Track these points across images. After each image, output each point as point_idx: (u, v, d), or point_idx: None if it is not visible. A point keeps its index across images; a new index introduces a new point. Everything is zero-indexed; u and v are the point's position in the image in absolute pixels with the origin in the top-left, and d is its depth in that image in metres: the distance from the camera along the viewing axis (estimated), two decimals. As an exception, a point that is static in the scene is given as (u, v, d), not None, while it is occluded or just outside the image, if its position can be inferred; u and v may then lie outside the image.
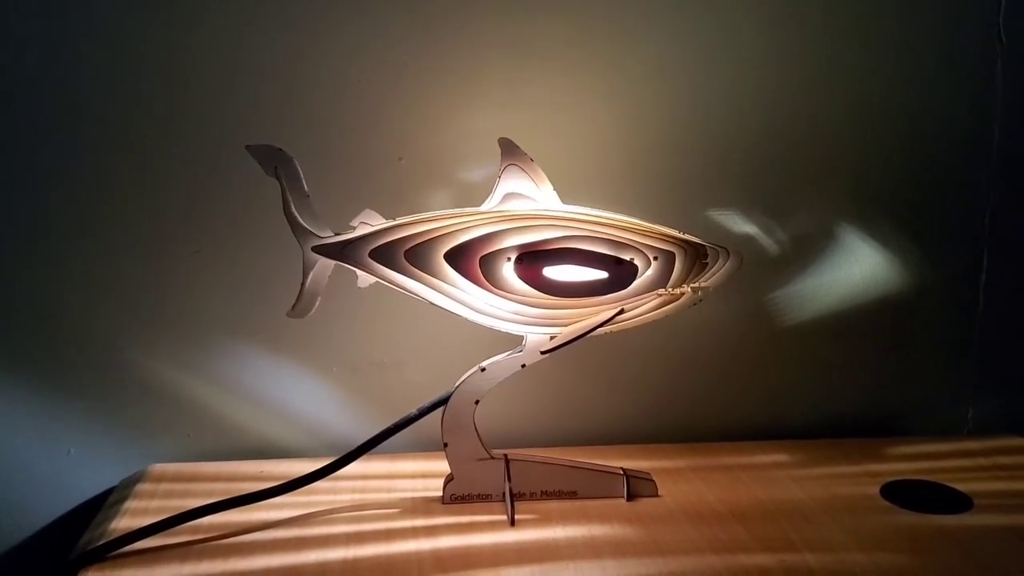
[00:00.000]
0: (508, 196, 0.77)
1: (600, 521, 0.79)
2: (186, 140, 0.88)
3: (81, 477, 0.91)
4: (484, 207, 0.77)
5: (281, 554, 0.73)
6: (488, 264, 0.76)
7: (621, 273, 0.77)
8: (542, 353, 0.78)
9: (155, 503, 0.83)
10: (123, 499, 0.84)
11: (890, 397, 1.03)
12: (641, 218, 0.89)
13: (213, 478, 0.89)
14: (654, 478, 0.86)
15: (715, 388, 1.00)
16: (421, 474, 0.89)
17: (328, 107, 0.89)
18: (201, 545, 0.75)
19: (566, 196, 0.80)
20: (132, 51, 0.86)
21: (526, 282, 0.76)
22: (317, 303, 0.79)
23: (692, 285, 0.79)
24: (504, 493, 0.81)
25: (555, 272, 0.77)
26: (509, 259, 0.76)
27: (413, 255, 0.76)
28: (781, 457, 0.95)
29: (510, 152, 0.77)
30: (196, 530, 0.77)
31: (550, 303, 0.77)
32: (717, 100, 0.94)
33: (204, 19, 0.86)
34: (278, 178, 0.76)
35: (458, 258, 0.76)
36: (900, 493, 0.85)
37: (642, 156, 0.94)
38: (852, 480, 0.89)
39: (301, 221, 0.77)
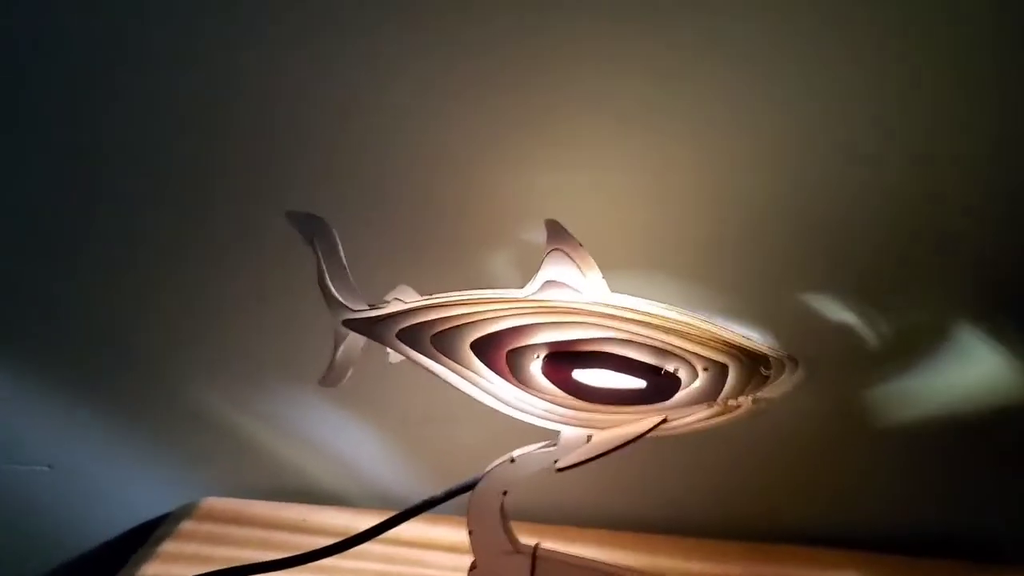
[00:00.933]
0: (548, 284, 0.71)
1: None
2: (253, 187, 0.86)
3: (138, 501, 0.94)
4: (522, 293, 0.72)
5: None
6: (515, 359, 0.70)
7: (661, 384, 0.69)
8: (558, 471, 0.72)
9: (190, 548, 0.84)
10: (164, 537, 0.85)
11: (997, 521, 0.90)
12: (714, 302, 0.82)
13: (256, 522, 0.89)
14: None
15: (788, 486, 0.91)
16: (456, 547, 0.85)
17: (380, 163, 0.85)
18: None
19: (630, 270, 0.73)
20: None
21: (553, 382, 0.70)
22: (349, 374, 0.76)
23: (751, 397, 0.71)
24: (527, 593, 0.76)
25: (586, 376, 0.70)
26: (537, 356, 0.70)
27: (440, 340, 0.72)
28: (856, 573, 0.85)
29: (556, 235, 0.70)
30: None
31: (580, 407, 0.71)
32: (820, 163, 0.82)
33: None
34: (313, 248, 0.73)
35: (485, 349, 0.71)
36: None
37: (724, 227, 0.84)
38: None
39: (335, 293, 0.74)
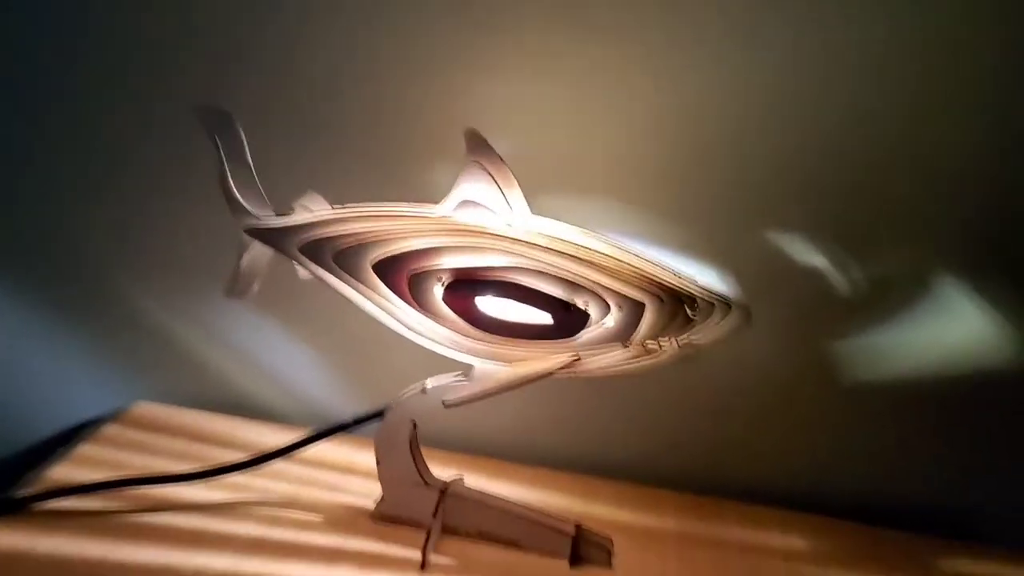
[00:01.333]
0: (465, 203, 0.64)
1: (526, 586, 0.69)
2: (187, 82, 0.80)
3: (77, 402, 0.91)
4: (437, 211, 0.65)
5: (171, 546, 0.69)
6: (418, 283, 0.65)
7: (569, 320, 0.63)
8: (445, 406, 0.67)
9: (107, 453, 0.81)
10: (83, 440, 0.83)
11: (973, 493, 0.82)
12: (675, 235, 0.75)
13: (182, 432, 0.86)
14: (612, 544, 0.73)
15: (752, 439, 0.84)
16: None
17: (324, 57, 0.78)
18: (107, 517, 0.72)
19: (585, 192, 0.71)
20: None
21: (455, 310, 0.64)
22: (256, 285, 0.72)
23: (677, 340, 0.64)
24: (429, 530, 0.71)
25: (489, 306, 0.64)
26: (440, 281, 0.64)
27: (342, 257, 0.66)
28: (802, 541, 0.79)
29: (476, 147, 0.63)
30: (118, 497, 0.74)
31: (485, 339, 0.65)
32: (799, 96, 0.73)
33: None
34: (215, 144, 0.68)
35: (387, 270, 0.65)
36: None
37: (692, 154, 0.76)
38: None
39: (237, 197, 0.69)
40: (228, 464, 0.75)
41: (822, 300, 0.77)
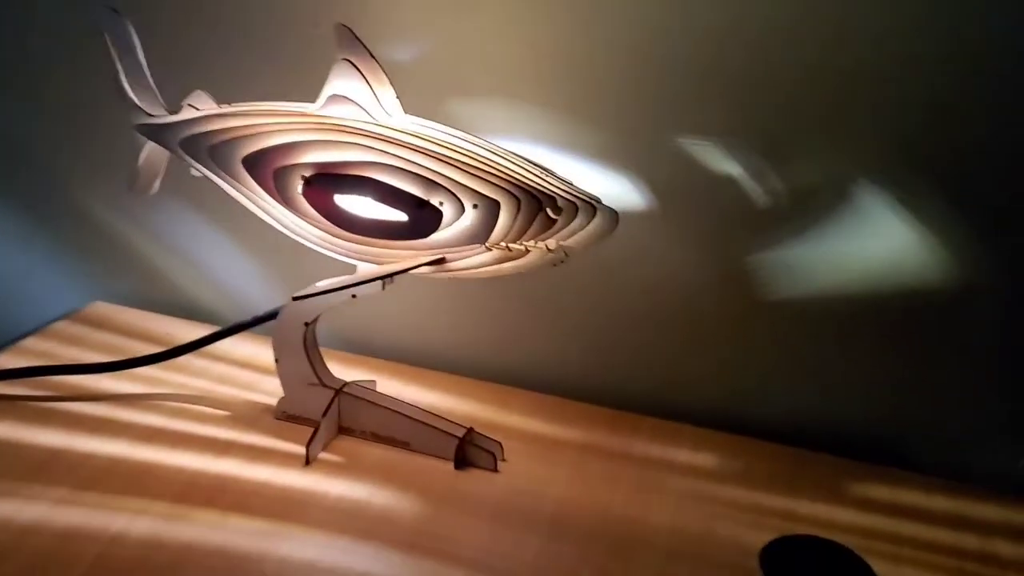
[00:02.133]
0: (334, 99, 0.63)
1: (406, 487, 0.69)
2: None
3: (41, 300, 0.96)
4: (311, 108, 0.65)
5: (74, 433, 0.72)
6: (281, 179, 0.65)
7: (423, 218, 0.62)
8: (294, 299, 0.67)
9: (46, 345, 0.85)
10: (30, 334, 0.87)
11: (898, 416, 0.78)
12: (586, 138, 0.73)
13: (125, 330, 0.89)
14: (502, 450, 0.73)
15: (671, 355, 0.82)
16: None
17: None
18: (22, 401, 0.75)
19: (486, 90, 0.71)
20: None
21: (315, 207, 0.64)
22: (157, 184, 0.73)
23: (543, 243, 0.62)
24: (316, 427, 0.72)
25: (348, 203, 0.63)
26: (303, 178, 0.64)
27: (216, 152, 0.67)
28: (712, 458, 0.76)
29: (348, 44, 0.62)
30: (40, 385, 0.77)
31: (348, 237, 0.65)
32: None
33: None
34: (108, 45, 0.69)
35: (255, 166, 0.66)
36: (801, 557, 0.65)
37: (598, 53, 0.73)
38: (768, 514, 0.70)
39: (130, 94, 0.70)
40: (135, 357, 0.77)
41: (740, 210, 0.74)
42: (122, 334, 0.88)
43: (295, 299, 0.67)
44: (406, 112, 0.62)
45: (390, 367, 0.85)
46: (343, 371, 0.77)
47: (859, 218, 0.72)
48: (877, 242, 0.72)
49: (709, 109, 0.72)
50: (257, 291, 0.91)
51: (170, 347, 0.77)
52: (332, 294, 0.68)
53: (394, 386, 0.81)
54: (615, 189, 0.75)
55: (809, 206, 0.73)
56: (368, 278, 0.65)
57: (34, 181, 0.94)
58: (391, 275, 0.64)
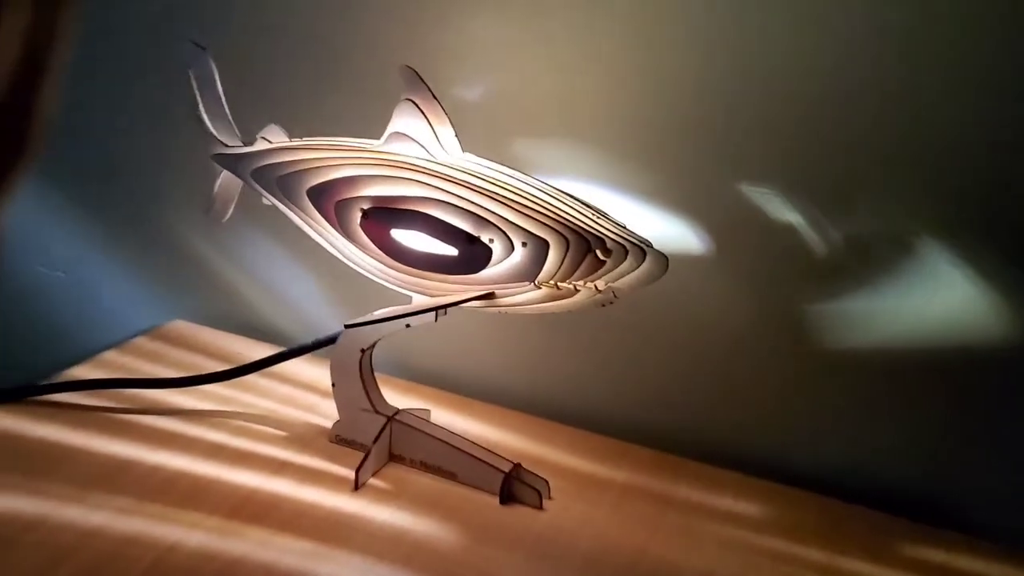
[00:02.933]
0: (396, 136, 0.66)
1: (450, 517, 0.71)
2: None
3: (130, 314, 1.01)
4: (374, 145, 0.67)
5: (143, 445, 0.75)
6: (342, 210, 0.68)
7: (473, 253, 0.64)
8: (347, 327, 0.69)
9: (126, 359, 0.90)
10: (110, 348, 0.92)
11: (947, 476, 0.76)
12: (644, 182, 0.74)
13: (201, 349, 0.93)
14: (548, 487, 0.74)
15: (722, 400, 0.81)
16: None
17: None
18: (94, 413, 0.79)
19: (558, 136, 0.73)
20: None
21: (372, 239, 0.67)
22: (231, 210, 0.77)
23: (592, 283, 0.64)
24: (367, 453, 0.74)
25: (403, 236, 0.66)
26: (362, 210, 0.67)
27: (284, 183, 0.70)
28: (753, 507, 0.76)
29: (411, 85, 0.65)
30: (112, 396, 0.82)
31: (403, 269, 0.67)
32: (777, 39, 0.70)
33: None
34: (190, 78, 0.73)
35: (319, 197, 0.69)
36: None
37: (659, 97, 0.74)
38: (808, 568, 0.69)
39: (208, 126, 0.74)
40: (203, 375, 0.80)
41: (797, 259, 0.74)
42: (197, 352, 0.92)
43: (348, 327, 0.70)
44: (465, 150, 0.65)
45: (444, 396, 0.87)
46: (398, 398, 0.79)
47: (918, 272, 0.71)
48: (935, 297, 0.71)
49: (769, 156, 0.73)
50: (325, 315, 0.94)
51: (236, 366, 0.80)
52: (387, 323, 0.70)
53: (446, 416, 0.83)
54: (671, 231, 0.76)
55: (867, 258, 0.73)
56: (421, 309, 0.67)
57: (124, 200, 0.99)
58: (443, 307, 0.66)
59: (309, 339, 0.77)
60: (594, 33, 0.74)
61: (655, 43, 0.73)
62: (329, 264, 0.77)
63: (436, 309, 0.67)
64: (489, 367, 0.89)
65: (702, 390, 0.81)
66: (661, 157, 0.76)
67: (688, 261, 0.75)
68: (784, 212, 0.73)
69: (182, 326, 0.98)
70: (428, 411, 0.81)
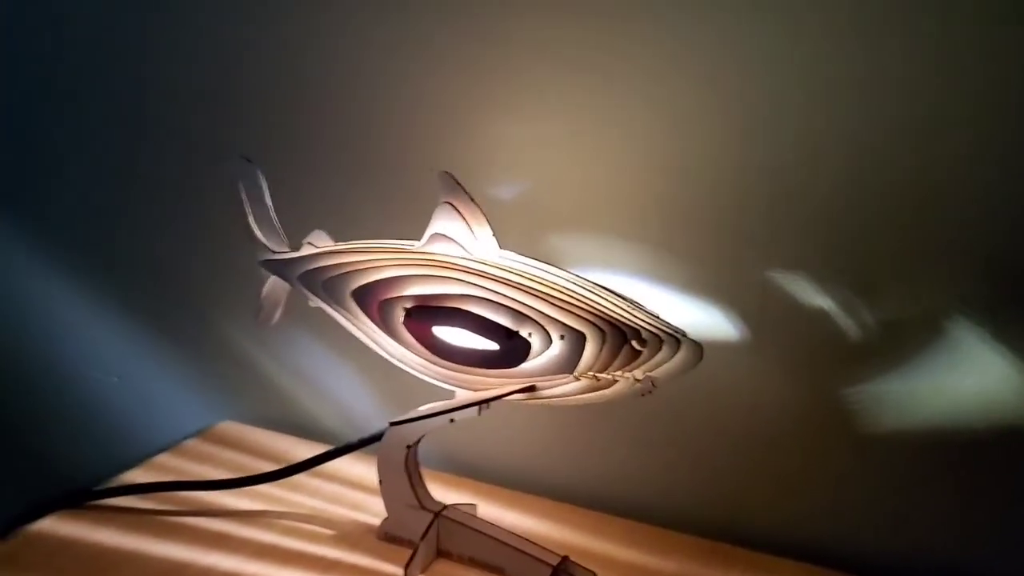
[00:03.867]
0: (435, 237, 0.69)
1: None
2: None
3: (182, 417, 1.04)
4: (415, 246, 0.70)
5: (192, 545, 0.77)
6: (385, 311, 0.70)
7: (513, 348, 0.65)
8: (391, 424, 0.70)
9: (179, 463, 0.92)
10: (163, 451, 0.94)
11: (992, 556, 0.75)
12: (677, 273, 0.76)
13: (250, 449, 0.95)
14: (595, 580, 0.73)
15: (763, 486, 0.81)
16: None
17: (340, 107, 0.86)
18: (149, 516, 0.81)
19: (589, 230, 0.75)
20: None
21: (414, 336, 0.69)
22: (278, 314, 0.79)
23: (630, 373, 0.65)
24: (415, 550, 0.75)
25: (444, 333, 0.68)
26: (405, 309, 0.69)
27: (329, 286, 0.73)
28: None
29: (449, 189, 0.67)
30: (166, 500, 0.83)
31: (446, 365, 0.69)
32: (798, 126, 0.72)
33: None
34: (238, 189, 0.77)
35: (363, 298, 0.71)
36: None
37: (688, 189, 0.76)
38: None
39: (257, 234, 0.77)
40: (252, 476, 0.82)
41: (830, 343, 0.74)
42: (247, 452, 0.94)
43: (393, 424, 0.71)
44: (503, 247, 0.67)
45: (490, 490, 0.88)
46: (444, 493, 0.80)
47: (952, 352, 0.71)
48: (971, 377, 0.72)
49: (796, 242, 0.74)
50: (370, 412, 0.96)
51: (284, 466, 0.82)
52: (431, 419, 0.72)
53: (493, 510, 0.83)
54: (705, 319, 0.77)
55: (902, 339, 0.73)
56: (464, 404, 0.69)
57: (175, 304, 1.03)
58: (486, 401, 0.68)
59: (355, 437, 0.79)
60: (623, 125, 0.77)
61: (684, 132, 0.75)
62: (373, 362, 0.79)
63: (479, 403, 0.68)
64: (534, 459, 0.90)
65: (744, 477, 0.81)
66: (690, 247, 0.77)
67: (724, 349, 0.76)
68: (816, 297, 0.74)
69: (231, 427, 1.00)
70: (474, 506, 0.82)
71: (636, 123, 0.77)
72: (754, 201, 0.75)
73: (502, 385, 0.68)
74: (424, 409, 0.71)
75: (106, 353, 1.08)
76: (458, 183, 0.67)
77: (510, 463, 0.90)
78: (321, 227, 0.76)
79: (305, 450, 0.92)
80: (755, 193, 0.74)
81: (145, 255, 1.02)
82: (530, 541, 0.75)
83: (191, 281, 1.01)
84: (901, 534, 0.77)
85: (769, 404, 0.78)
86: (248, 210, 0.77)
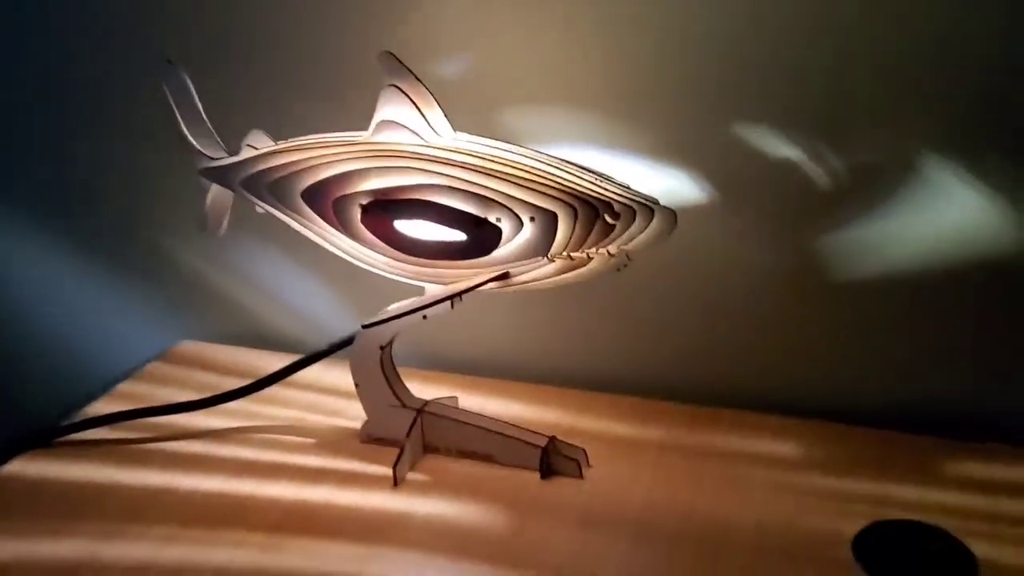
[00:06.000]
0: (383, 124, 0.64)
1: (494, 500, 0.70)
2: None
3: (132, 343, 1.00)
4: (362, 136, 0.66)
5: (173, 471, 0.74)
6: (341, 208, 0.66)
7: (482, 235, 0.63)
8: (364, 327, 0.68)
9: (142, 388, 0.88)
10: (124, 378, 0.90)
11: (984, 391, 0.75)
12: (640, 137, 0.73)
13: (212, 367, 0.92)
14: (586, 456, 0.73)
15: (746, 346, 0.81)
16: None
17: None
18: (121, 446, 0.78)
19: (536, 97, 0.73)
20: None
21: (375, 234, 0.65)
22: (226, 222, 0.75)
23: (603, 249, 0.62)
24: (402, 449, 0.74)
25: (407, 227, 0.64)
26: (361, 206, 0.65)
27: (275, 188, 0.69)
28: (795, 447, 0.75)
29: (392, 71, 0.63)
30: (135, 427, 0.80)
31: (414, 262, 0.66)
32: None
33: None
34: (167, 95, 0.72)
35: (315, 198, 0.67)
36: (896, 543, 0.64)
37: (645, 47, 0.73)
38: (857, 501, 0.68)
39: (191, 140, 0.72)
40: (223, 393, 0.79)
41: (803, 194, 0.73)
42: (211, 370, 0.91)
43: (365, 327, 0.69)
44: (456, 130, 0.63)
45: (468, 381, 0.86)
46: (423, 389, 0.78)
47: (926, 190, 0.70)
48: (947, 213, 0.71)
49: (761, 93, 0.71)
50: (336, 317, 0.93)
51: (254, 380, 0.79)
52: (403, 318, 0.69)
53: (475, 401, 0.82)
54: (673, 184, 0.74)
55: (874, 182, 0.72)
56: (435, 300, 0.66)
57: (113, 226, 0.97)
58: (458, 295, 0.65)
59: (323, 343, 0.76)
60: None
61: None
62: (333, 263, 0.76)
63: (451, 297, 0.65)
64: (509, 346, 0.88)
65: (726, 337, 0.81)
66: (652, 110, 0.74)
67: (694, 212, 0.74)
68: (784, 148, 0.72)
69: (191, 346, 0.97)
70: (455, 398, 0.80)
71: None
72: (713, 54, 0.71)
73: (474, 275, 0.65)
74: (394, 308, 0.68)
75: (49, 286, 1.03)
76: (401, 63, 0.62)
77: (485, 352, 0.89)
78: (258, 127, 0.71)
79: (272, 362, 0.89)
80: (713, 45, 0.71)
81: (73, 176, 0.95)
82: (516, 426, 0.74)
83: (127, 199, 0.96)
84: (892, 377, 0.77)
85: (741, 261, 0.77)
86: (178, 116, 0.72)
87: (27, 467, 0.75)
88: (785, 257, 0.76)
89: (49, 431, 0.79)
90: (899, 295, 0.74)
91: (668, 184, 0.74)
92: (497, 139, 0.63)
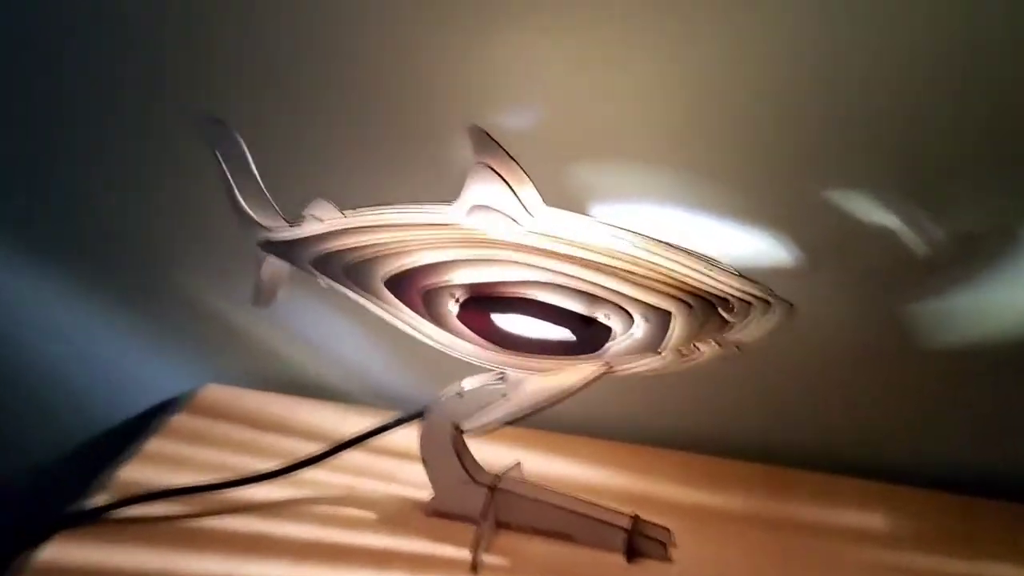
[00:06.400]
0: (476, 208, 0.59)
1: (580, 585, 0.67)
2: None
3: (153, 384, 0.93)
4: (449, 211, 0.60)
5: (230, 553, 0.70)
6: (431, 299, 0.61)
7: (592, 334, 0.58)
8: (459, 431, 0.64)
9: (174, 447, 0.83)
10: (152, 435, 0.84)
11: None
12: (728, 201, 0.69)
13: (246, 418, 0.86)
14: (670, 536, 0.70)
15: (830, 408, 0.78)
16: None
17: (318, 41, 0.73)
18: (170, 523, 0.73)
19: (625, 159, 0.68)
20: None
21: (473, 328, 0.61)
22: (279, 293, 0.70)
23: (716, 342, 0.59)
24: (479, 531, 0.70)
25: (507, 322, 0.60)
26: (455, 299, 0.60)
27: (353, 272, 0.63)
28: (880, 520, 0.74)
29: (482, 147, 0.57)
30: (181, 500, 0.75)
31: (509, 355, 0.61)
32: (853, 31, 0.64)
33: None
34: (217, 158, 0.65)
35: (399, 286, 0.62)
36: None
37: (743, 112, 0.68)
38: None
39: (246, 209, 0.66)
40: (288, 465, 0.75)
41: (897, 262, 0.70)
42: (243, 423, 0.86)
43: (461, 431, 0.65)
44: (546, 203, 0.58)
45: (522, 435, 0.82)
46: (480, 447, 0.73)
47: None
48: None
49: (852, 157, 0.68)
50: (368, 358, 0.88)
51: (324, 448, 0.75)
52: (485, 395, 0.65)
53: (538, 461, 0.78)
54: (761, 247, 0.71)
55: (973, 252, 0.69)
56: (544, 404, 0.62)
57: (133, 267, 0.90)
58: (569, 396, 0.61)
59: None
60: (651, 33, 0.67)
61: (721, 43, 0.66)
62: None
63: (560, 401, 0.61)
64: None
65: (809, 400, 0.78)
66: (744, 173, 0.70)
67: (784, 275, 0.71)
68: (880, 215, 0.68)
69: (217, 391, 0.91)
70: (519, 464, 0.77)
71: (668, 33, 0.67)
72: (804, 119, 0.67)
73: (575, 370, 0.61)
74: (498, 413, 0.64)
75: (63, 325, 0.95)
76: (491, 137, 0.56)
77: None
78: (318, 194, 0.65)
79: (306, 410, 0.85)
80: (805, 110, 0.67)
81: (95, 215, 0.88)
82: (595, 504, 0.71)
83: (156, 238, 0.88)
84: (982, 444, 0.76)
85: (829, 326, 0.74)
86: (231, 182, 0.65)
87: (60, 553, 0.69)
88: (876, 323, 0.73)
89: (94, 510, 0.73)
90: (992, 365, 0.72)
91: (756, 246, 0.71)
92: (583, 207, 0.58)
